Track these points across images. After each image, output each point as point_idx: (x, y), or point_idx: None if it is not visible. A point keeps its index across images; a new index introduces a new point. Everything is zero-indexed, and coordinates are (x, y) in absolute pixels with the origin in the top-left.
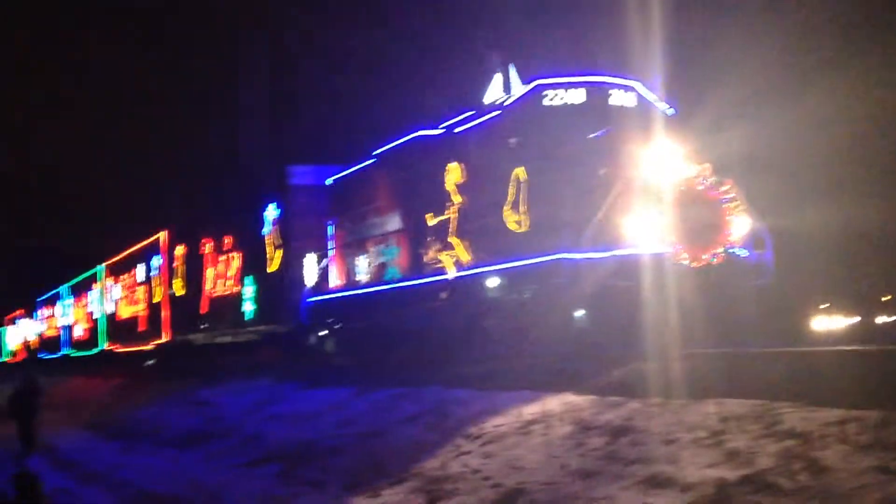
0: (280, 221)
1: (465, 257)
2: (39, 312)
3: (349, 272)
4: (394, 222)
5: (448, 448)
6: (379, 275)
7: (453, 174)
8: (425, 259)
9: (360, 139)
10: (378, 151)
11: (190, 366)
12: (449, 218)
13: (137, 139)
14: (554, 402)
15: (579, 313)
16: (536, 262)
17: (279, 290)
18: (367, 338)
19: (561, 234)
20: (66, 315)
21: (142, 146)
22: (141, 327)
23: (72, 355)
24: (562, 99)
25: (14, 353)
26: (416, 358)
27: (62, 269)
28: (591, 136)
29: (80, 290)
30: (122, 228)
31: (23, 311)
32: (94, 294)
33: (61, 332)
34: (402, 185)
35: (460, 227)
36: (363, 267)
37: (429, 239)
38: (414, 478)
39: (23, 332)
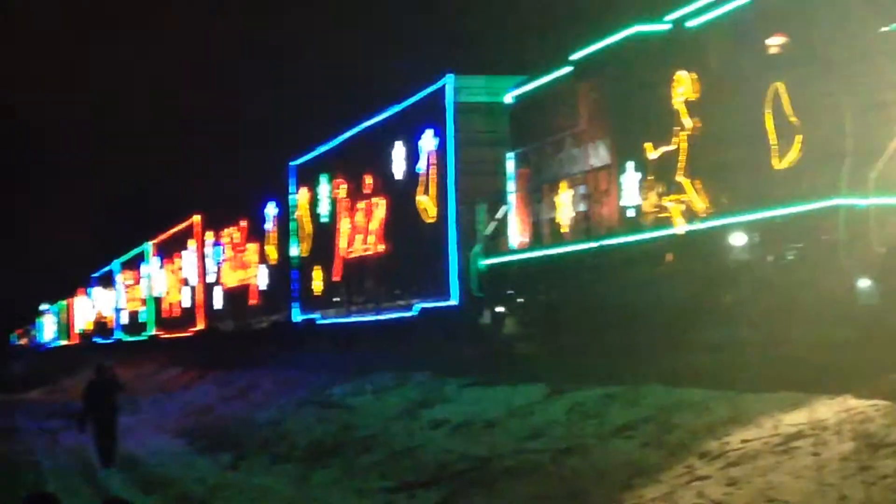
0: (440, 153)
1: (699, 204)
2: (119, 277)
3: (536, 225)
4: (599, 155)
5: (676, 471)
6: (578, 229)
7: (683, 87)
8: (643, 207)
9: (552, 39)
10: (577, 56)
11: (317, 353)
12: (677, 149)
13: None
14: (827, 409)
15: (864, 283)
16: (802, 211)
17: (438, 249)
18: (561, 316)
19: (839, 172)
20: (153, 283)
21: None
22: (252, 299)
23: (160, 337)
24: None
25: (84, 334)
26: (628, 344)
27: (149, 220)
28: (885, 29)
29: (170, 249)
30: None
31: (96, 278)
32: (188, 255)
33: (145, 305)
34: (611, 104)
35: (692, 162)
36: (556, 216)
37: (648, 178)
38: None
39: (97, 304)
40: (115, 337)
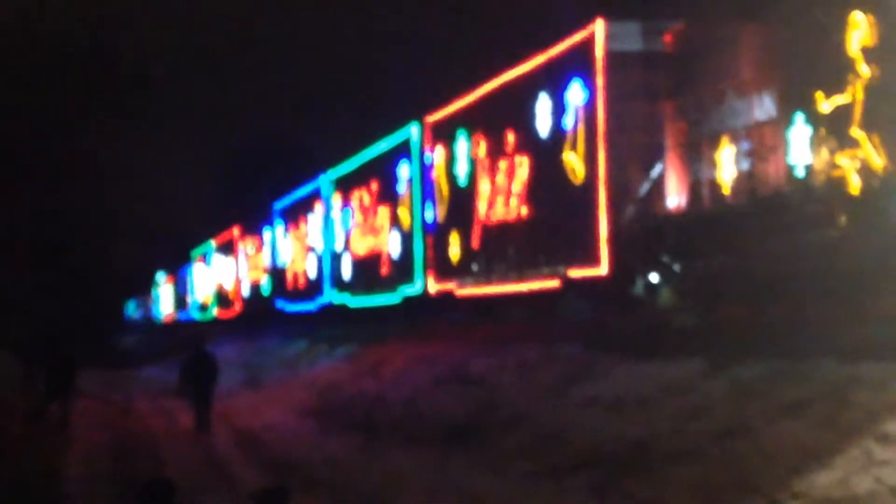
0: (588, 107)
1: (877, 161)
2: (243, 244)
3: (694, 185)
4: (764, 106)
5: (852, 455)
6: (741, 189)
7: (860, 31)
8: (813, 163)
9: None
10: None
11: (453, 325)
12: (852, 100)
13: None
14: None
15: None
16: None
17: (587, 211)
18: (723, 284)
19: None
20: (277, 251)
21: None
22: (383, 269)
23: (286, 310)
24: None
25: (226, 304)
26: (797, 316)
27: (272, 183)
28: None
29: (295, 213)
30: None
31: (216, 242)
32: (315, 218)
33: (266, 275)
34: (778, 50)
35: (869, 115)
36: (717, 175)
37: (819, 132)
38: (798, 499)
39: (217, 274)
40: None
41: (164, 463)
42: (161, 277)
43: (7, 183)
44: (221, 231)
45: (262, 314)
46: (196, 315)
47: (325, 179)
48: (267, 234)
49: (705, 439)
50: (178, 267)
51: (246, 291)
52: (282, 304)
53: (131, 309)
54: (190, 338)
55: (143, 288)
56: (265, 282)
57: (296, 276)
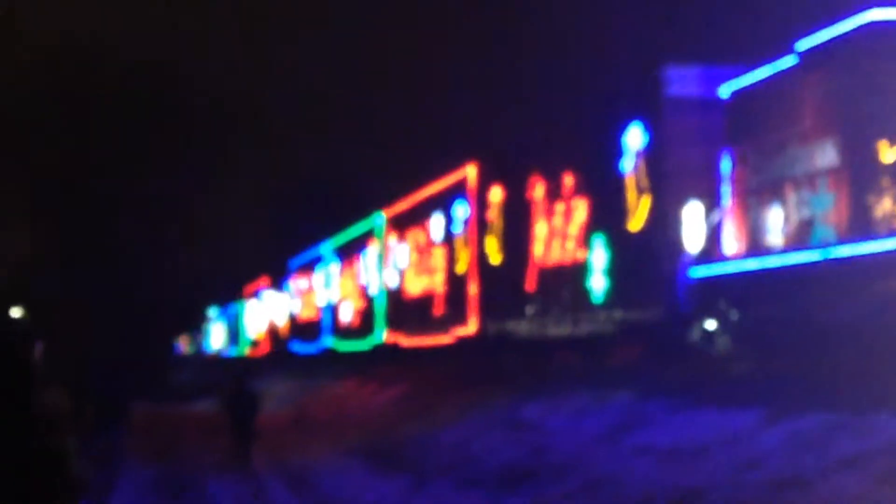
0: (648, 152)
1: None
2: (292, 282)
3: (754, 232)
4: (826, 155)
5: None
6: (802, 237)
7: None
8: (877, 213)
9: (773, 25)
10: (803, 47)
11: (508, 369)
12: None
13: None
14: None
15: None
16: None
17: (644, 257)
18: (782, 333)
19: None
20: (329, 288)
21: (433, 42)
22: (437, 310)
23: (337, 350)
24: None
25: (256, 344)
26: (859, 367)
27: (325, 220)
28: None
29: (349, 252)
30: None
31: (269, 278)
32: (369, 257)
33: (321, 313)
34: (842, 98)
35: None
36: (777, 224)
37: (883, 181)
38: None
39: (268, 310)
40: (320, 343)
41: (213, 497)
42: (213, 312)
43: (67, 214)
44: (272, 271)
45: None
46: (235, 351)
47: (380, 217)
48: (318, 277)
49: (762, 490)
50: (229, 302)
51: (298, 329)
52: (336, 342)
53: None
54: (233, 373)
55: (196, 323)
56: (317, 320)
57: (346, 315)
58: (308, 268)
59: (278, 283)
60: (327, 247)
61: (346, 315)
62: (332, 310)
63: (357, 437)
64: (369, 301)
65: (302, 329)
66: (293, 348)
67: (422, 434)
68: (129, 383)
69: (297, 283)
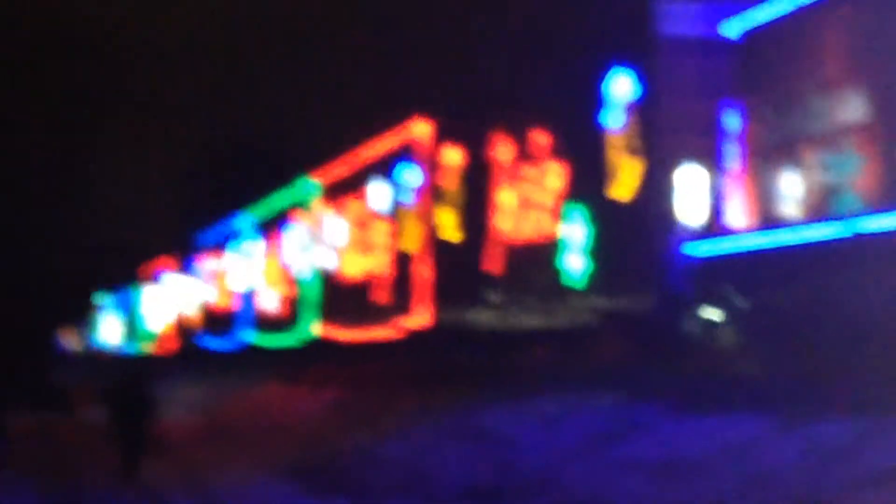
0: (639, 105)
1: None
2: (200, 264)
3: (765, 202)
4: (854, 108)
5: None
6: (823, 207)
7: None
8: None
9: None
10: None
11: (466, 368)
12: None
13: None
14: None
15: None
16: None
17: (633, 232)
18: (799, 324)
19: None
20: (247, 271)
21: None
22: (379, 296)
23: (258, 345)
24: None
25: (160, 339)
26: (887, 363)
27: (242, 187)
28: None
29: (271, 227)
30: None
31: (173, 258)
32: (295, 234)
33: (239, 301)
34: (874, 39)
35: None
36: (793, 192)
37: None
38: None
39: (173, 298)
40: (236, 339)
41: None
42: (103, 300)
43: None
44: (177, 249)
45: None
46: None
47: (311, 185)
48: (233, 257)
49: None
50: (125, 288)
51: (208, 320)
52: (256, 336)
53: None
54: (123, 373)
55: (82, 312)
56: (232, 310)
57: (265, 303)
58: (221, 246)
59: (185, 263)
60: (244, 220)
61: (269, 303)
62: (250, 298)
63: (285, 453)
64: (297, 287)
65: (215, 321)
66: (204, 344)
67: (363, 448)
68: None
69: (206, 263)
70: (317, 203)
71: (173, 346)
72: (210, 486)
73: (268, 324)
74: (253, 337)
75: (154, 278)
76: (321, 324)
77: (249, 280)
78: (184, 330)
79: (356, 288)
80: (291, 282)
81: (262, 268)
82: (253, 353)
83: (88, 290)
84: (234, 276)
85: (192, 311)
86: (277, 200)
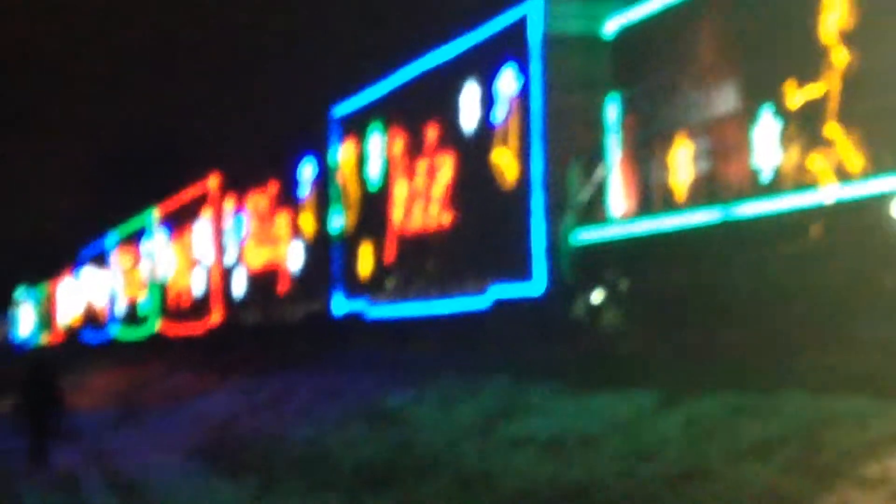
0: (523, 98)
1: (855, 162)
2: (113, 256)
3: (644, 190)
4: (726, 100)
5: (826, 502)
6: (699, 194)
7: (835, 13)
8: (782, 166)
9: None
10: None
11: (365, 353)
12: (826, 91)
13: None
14: None
15: None
16: None
17: (519, 221)
18: (679, 305)
19: None
20: (155, 262)
21: None
22: (281, 286)
23: (166, 333)
24: None
25: (68, 329)
26: (764, 341)
27: (154, 183)
28: None
29: (180, 220)
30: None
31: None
32: (202, 227)
33: (146, 293)
34: (742, 35)
35: (846, 109)
36: (671, 179)
37: (788, 128)
38: None
39: (85, 290)
40: (107, 334)
41: None
42: (22, 294)
43: None
44: (91, 241)
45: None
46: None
47: (216, 180)
48: (146, 245)
49: (657, 484)
50: (43, 280)
51: (122, 310)
52: (164, 326)
53: None
54: (33, 362)
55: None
56: (144, 300)
57: (180, 294)
58: (134, 238)
59: (98, 259)
60: (149, 215)
61: (177, 294)
62: (161, 290)
63: (195, 436)
64: (205, 277)
65: (127, 311)
66: (114, 333)
67: (265, 430)
68: None
69: (117, 256)
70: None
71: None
72: (125, 471)
73: (176, 313)
74: (163, 323)
75: (67, 274)
76: (224, 312)
77: (161, 271)
78: (96, 319)
79: (262, 278)
80: (201, 272)
81: (172, 260)
82: (161, 343)
83: (8, 284)
84: (146, 268)
85: (103, 303)
86: (133, 223)
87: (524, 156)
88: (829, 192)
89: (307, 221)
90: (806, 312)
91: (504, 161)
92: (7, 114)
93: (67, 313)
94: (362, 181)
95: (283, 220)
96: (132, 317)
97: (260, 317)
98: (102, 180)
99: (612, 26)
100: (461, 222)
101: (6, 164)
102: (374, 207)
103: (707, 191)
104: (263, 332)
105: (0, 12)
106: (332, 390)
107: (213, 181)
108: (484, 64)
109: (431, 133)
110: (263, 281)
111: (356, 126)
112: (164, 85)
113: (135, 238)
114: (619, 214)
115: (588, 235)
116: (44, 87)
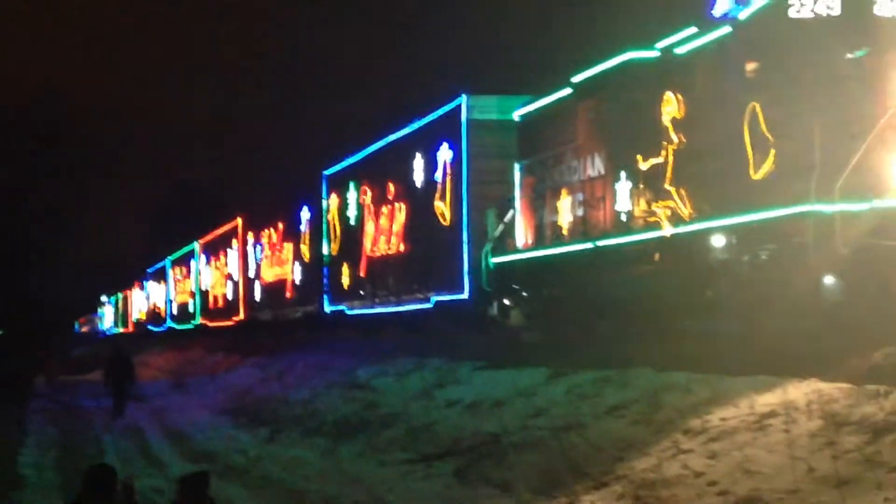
0: (455, 164)
1: (685, 210)
2: (170, 272)
3: (539, 228)
4: (595, 166)
5: (663, 446)
6: (576, 231)
7: (671, 107)
8: (634, 212)
9: (555, 63)
10: (577, 79)
11: (344, 340)
12: (664, 161)
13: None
14: (796, 391)
15: (830, 281)
16: (775, 216)
17: (453, 249)
18: (562, 308)
19: (808, 181)
20: (200, 277)
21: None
22: (287, 292)
23: (206, 326)
24: (812, 9)
25: (139, 320)
26: (621, 334)
27: (197, 221)
28: (850, 55)
29: (216, 248)
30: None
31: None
32: (232, 253)
33: (193, 297)
34: (606, 121)
35: (678, 173)
36: (557, 221)
37: (639, 187)
38: (620, 481)
39: (151, 296)
40: (166, 325)
41: (104, 452)
42: (104, 299)
43: None
44: (154, 262)
45: (188, 329)
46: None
47: (241, 221)
48: (192, 265)
49: (546, 433)
50: (120, 290)
51: (175, 310)
52: (204, 321)
53: (77, 326)
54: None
55: (90, 308)
56: (191, 302)
57: (216, 298)
58: (183, 262)
59: (159, 275)
60: (196, 245)
61: (214, 299)
62: (203, 295)
63: (224, 399)
64: (233, 287)
65: (179, 310)
66: (170, 325)
67: (276, 394)
68: (33, 364)
69: (174, 274)
70: (243, 234)
71: (149, 324)
72: (175, 422)
73: (216, 312)
74: (203, 319)
75: (138, 285)
76: (247, 311)
77: (203, 283)
78: (157, 316)
79: (273, 286)
80: (231, 283)
81: (210, 275)
82: (204, 330)
83: (96, 292)
84: (193, 281)
85: (162, 305)
86: (183, 251)
87: (456, 204)
88: (667, 230)
89: (305, 249)
90: (651, 313)
91: (442, 208)
92: (96, 163)
93: (137, 311)
94: (344, 221)
95: (288, 248)
96: (182, 314)
97: (271, 315)
98: (162, 220)
99: (517, 114)
100: (412, 250)
101: (94, 205)
102: (351, 239)
103: (583, 229)
104: (274, 325)
105: (97, 69)
106: (321, 366)
107: (238, 221)
108: (428, 140)
109: (392, 188)
110: (274, 290)
111: (339, 183)
112: (207, 152)
113: (185, 260)
114: (522, 245)
115: (500, 259)
116: (125, 144)
